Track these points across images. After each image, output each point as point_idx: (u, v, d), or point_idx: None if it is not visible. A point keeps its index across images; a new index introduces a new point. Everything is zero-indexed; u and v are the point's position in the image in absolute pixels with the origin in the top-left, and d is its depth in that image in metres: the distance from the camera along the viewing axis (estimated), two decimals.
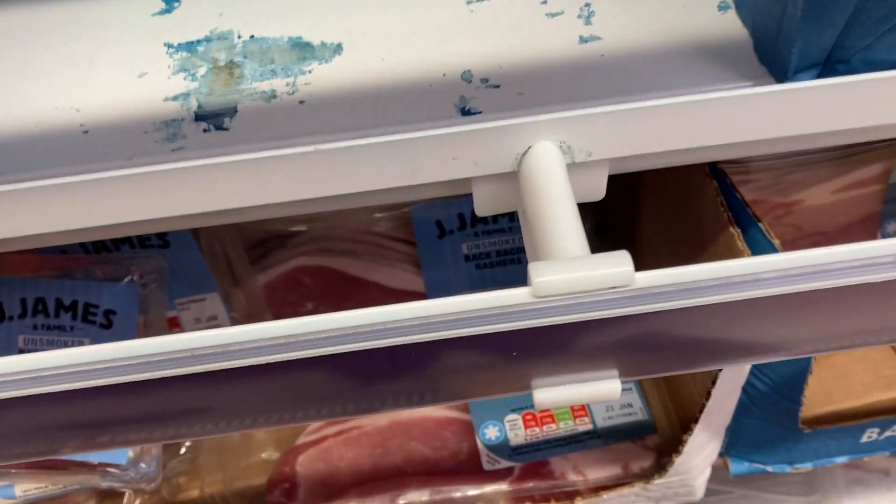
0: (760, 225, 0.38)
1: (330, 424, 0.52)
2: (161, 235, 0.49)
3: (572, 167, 0.31)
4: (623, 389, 0.50)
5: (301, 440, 0.51)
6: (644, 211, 0.50)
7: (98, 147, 0.31)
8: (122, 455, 0.46)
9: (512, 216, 0.53)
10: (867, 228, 0.56)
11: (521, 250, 0.54)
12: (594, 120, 0.29)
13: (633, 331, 0.27)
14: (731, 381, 0.38)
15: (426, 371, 0.29)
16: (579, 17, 0.33)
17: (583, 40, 0.33)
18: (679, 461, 0.42)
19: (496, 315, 0.26)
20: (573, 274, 0.25)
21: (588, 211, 0.57)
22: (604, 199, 0.56)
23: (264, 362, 0.26)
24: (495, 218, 0.53)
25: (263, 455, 0.52)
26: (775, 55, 0.30)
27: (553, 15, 0.34)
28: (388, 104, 0.32)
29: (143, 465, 0.46)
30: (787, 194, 0.54)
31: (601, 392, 0.30)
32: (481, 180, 0.31)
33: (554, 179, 0.29)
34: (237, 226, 0.51)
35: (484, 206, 0.32)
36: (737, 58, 0.32)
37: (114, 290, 0.47)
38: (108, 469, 0.47)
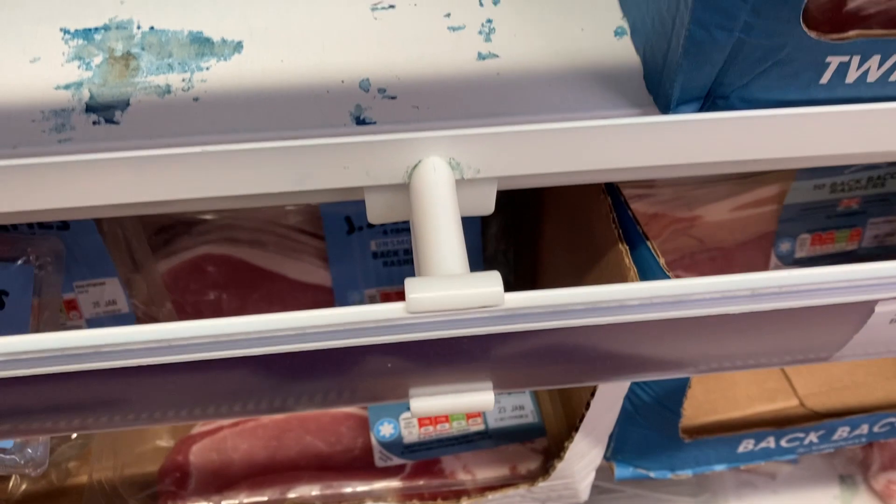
0: (648, 243, 0.40)
1: None
2: None
3: (462, 183, 0.31)
4: (516, 392, 0.52)
5: (196, 429, 0.51)
6: (547, 217, 0.51)
7: None
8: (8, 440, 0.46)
9: None
10: (761, 246, 0.59)
11: None
12: (483, 140, 0.30)
13: (504, 347, 0.28)
14: (610, 394, 0.40)
15: (309, 378, 0.29)
16: (480, 33, 0.34)
17: (481, 57, 0.33)
18: (561, 466, 0.43)
19: (372, 329, 0.26)
20: (446, 292, 0.26)
21: (496, 213, 0.58)
22: (512, 200, 0.57)
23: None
24: None
25: (159, 442, 0.52)
26: (660, 87, 0.31)
27: (455, 29, 0.34)
28: (283, 107, 0.32)
29: (29, 450, 0.46)
30: (689, 209, 0.56)
31: (475, 403, 0.30)
32: (373, 190, 0.32)
33: (440, 195, 0.29)
34: None
35: (376, 214, 0.33)
36: (628, 84, 0.33)
37: (7, 271, 0.46)
38: None
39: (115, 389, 0.29)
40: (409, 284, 0.26)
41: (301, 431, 0.50)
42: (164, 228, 0.53)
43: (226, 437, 0.50)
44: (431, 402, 0.30)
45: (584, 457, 0.44)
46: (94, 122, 0.31)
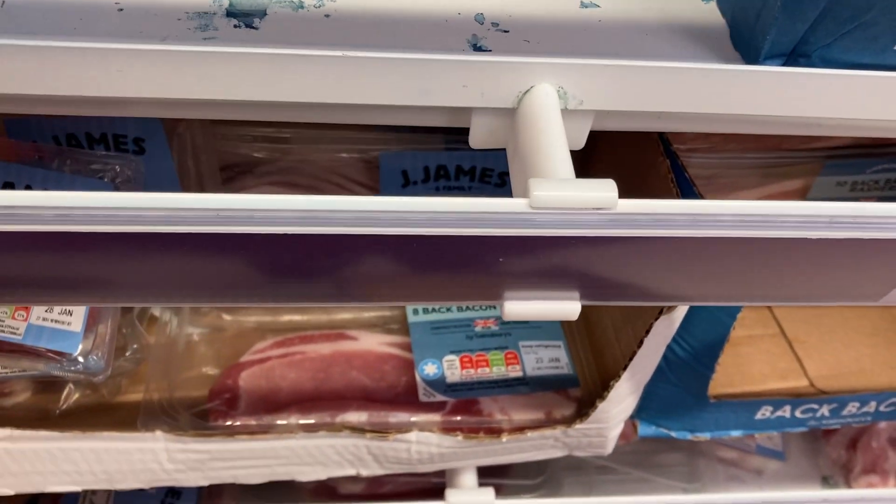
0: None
1: (275, 347, 0.54)
2: (138, 142, 0.51)
3: (564, 113, 0.34)
4: (552, 346, 0.55)
5: (245, 358, 0.53)
6: (596, 174, 0.54)
7: (132, 25, 0.33)
8: (74, 345, 0.47)
9: (473, 176, 0.56)
10: None
11: None
12: (592, 71, 0.33)
13: (605, 253, 0.31)
14: (660, 336, 0.43)
15: (426, 265, 0.32)
16: None
17: (584, 5, 0.37)
18: (601, 408, 0.46)
19: (494, 219, 0.29)
20: (567, 192, 0.29)
21: None
22: None
23: (283, 232, 0.28)
24: (458, 175, 0.56)
25: (205, 370, 0.54)
26: (750, 42, 0.34)
27: None
28: (407, 31, 0.35)
29: (93, 357, 0.48)
30: (718, 194, 0.60)
31: (563, 310, 0.33)
32: (481, 112, 0.35)
33: (551, 116, 0.33)
34: (212, 145, 0.53)
35: (479, 138, 0.36)
36: (714, 43, 0.36)
37: (87, 185, 0.48)
38: (57, 357, 0.47)
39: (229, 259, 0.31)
40: (534, 183, 0.29)
41: (347, 367, 0.53)
42: (229, 166, 0.55)
43: (273, 366, 0.52)
44: (523, 305, 0.33)
45: (621, 402, 0.47)
46: (235, 26, 0.34)
